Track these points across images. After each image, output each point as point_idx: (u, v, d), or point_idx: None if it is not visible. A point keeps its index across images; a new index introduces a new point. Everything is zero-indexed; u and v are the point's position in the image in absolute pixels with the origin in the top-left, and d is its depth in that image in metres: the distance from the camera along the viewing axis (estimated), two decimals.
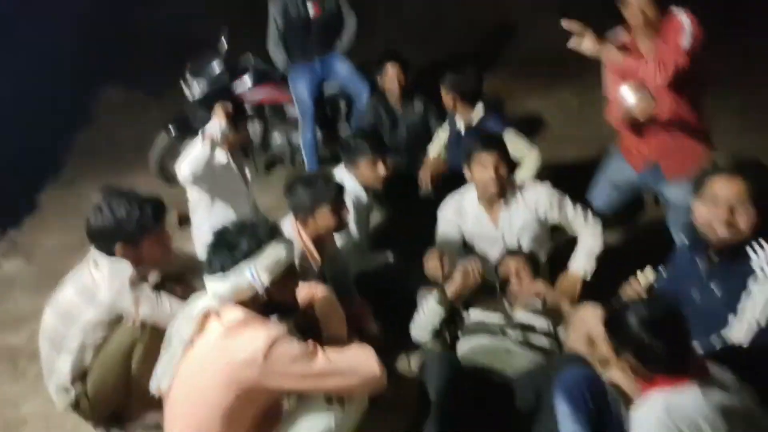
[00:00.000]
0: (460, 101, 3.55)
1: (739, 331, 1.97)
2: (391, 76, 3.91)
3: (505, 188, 2.90)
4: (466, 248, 3.10)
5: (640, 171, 3.03)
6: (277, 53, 4.31)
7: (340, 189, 2.69)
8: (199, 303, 1.94)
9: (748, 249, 1.99)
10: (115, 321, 2.40)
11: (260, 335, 1.83)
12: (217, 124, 3.04)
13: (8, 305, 3.38)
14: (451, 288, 2.59)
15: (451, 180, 3.32)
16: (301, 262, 2.53)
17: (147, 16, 6.40)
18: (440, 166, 3.72)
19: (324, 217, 2.63)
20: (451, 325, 2.69)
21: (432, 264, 2.79)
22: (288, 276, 1.96)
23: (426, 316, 2.62)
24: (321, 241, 2.69)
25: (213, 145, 3.02)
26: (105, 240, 2.37)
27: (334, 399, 1.97)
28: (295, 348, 1.86)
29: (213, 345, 1.86)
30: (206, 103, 4.21)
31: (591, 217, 2.95)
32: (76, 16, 6.15)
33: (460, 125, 3.61)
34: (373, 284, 3.00)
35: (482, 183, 2.87)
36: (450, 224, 3.04)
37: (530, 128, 4.60)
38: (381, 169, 3.12)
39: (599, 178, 3.24)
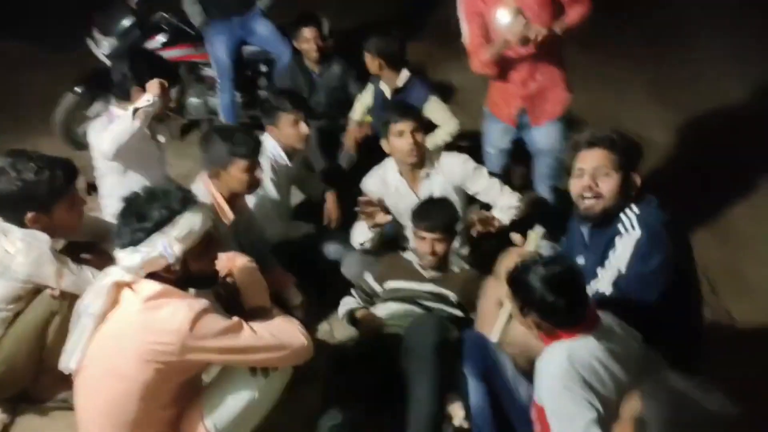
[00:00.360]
0: (386, 65, 3.51)
1: (603, 279, 2.11)
2: (307, 39, 3.84)
3: (423, 157, 2.93)
4: None
5: (511, 123, 3.14)
6: (193, 9, 4.11)
7: (257, 144, 2.60)
8: (108, 275, 1.85)
9: (621, 215, 2.13)
10: (30, 293, 2.27)
11: (182, 309, 1.77)
12: (150, 99, 2.77)
13: None
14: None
15: (376, 144, 3.31)
16: (212, 219, 2.46)
17: None
18: (364, 130, 3.70)
19: (238, 172, 2.53)
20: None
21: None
22: (204, 246, 1.88)
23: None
24: (233, 200, 2.61)
25: (143, 122, 2.80)
26: (12, 208, 2.21)
27: (258, 369, 1.94)
28: (219, 322, 1.81)
29: (130, 320, 1.79)
30: (115, 62, 4.04)
31: (507, 187, 3.04)
32: None
33: (385, 90, 3.59)
34: (295, 254, 2.97)
35: (401, 152, 2.89)
36: (374, 197, 3.02)
37: (451, 97, 4.64)
38: (303, 128, 3.04)
39: (485, 150, 3.34)
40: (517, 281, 1.88)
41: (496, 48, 2.85)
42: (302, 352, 1.94)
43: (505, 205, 2.99)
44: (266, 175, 2.98)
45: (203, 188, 2.55)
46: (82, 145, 4.13)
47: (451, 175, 2.96)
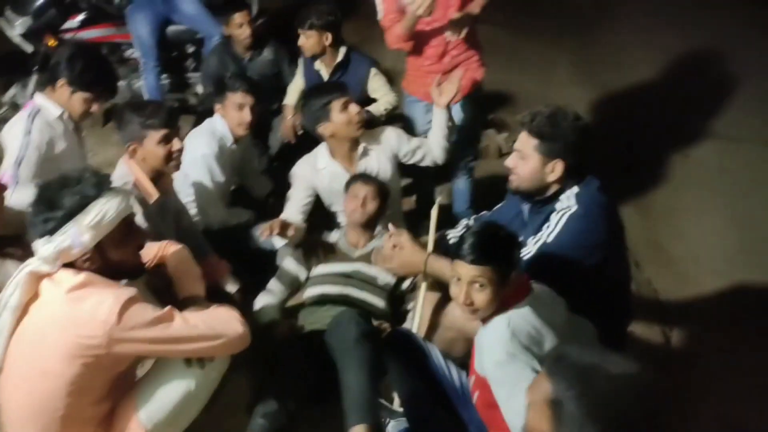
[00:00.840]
0: (331, 41, 3.40)
1: (529, 246, 2.17)
2: (239, 24, 3.68)
3: (360, 133, 2.92)
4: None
5: (429, 100, 3.14)
6: None
7: (171, 114, 2.49)
8: (25, 266, 1.76)
9: (562, 195, 2.18)
10: None
11: (107, 299, 1.70)
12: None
13: None
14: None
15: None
16: (137, 197, 2.37)
17: None
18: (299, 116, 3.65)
19: (153, 144, 2.41)
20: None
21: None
22: (123, 233, 1.81)
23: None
24: (157, 178, 2.51)
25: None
26: None
27: (193, 360, 1.89)
28: (149, 311, 1.75)
29: (53, 313, 1.72)
30: (31, 41, 3.84)
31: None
32: None
33: (322, 70, 3.51)
34: (232, 241, 2.93)
35: (347, 125, 2.85)
36: (304, 184, 2.99)
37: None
38: (246, 114, 2.99)
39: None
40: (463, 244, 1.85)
41: (407, 21, 2.89)
42: (238, 340, 1.88)
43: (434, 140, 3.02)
44: (212, 154, 2.93)
45: (125, 169, 2.45)
46: None
47: (388, 145, 2.99)
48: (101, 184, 1.77)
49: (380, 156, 2.98)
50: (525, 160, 2.15)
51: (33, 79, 3.89)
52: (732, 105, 4.60)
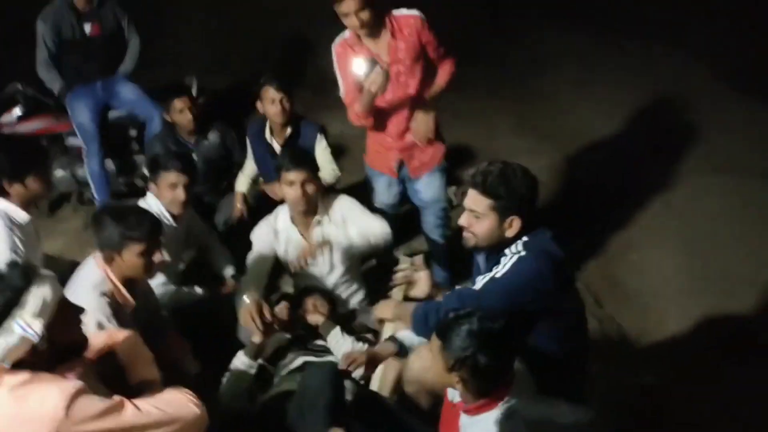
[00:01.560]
0: (287, 104, 3.38)
1: (477, 283, 2.16)
2: (179, 109, 3.59)
3: (314, 207, 2.90)
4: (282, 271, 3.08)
5: (393, 174, 3.23)
6: (50, 77, 3.91)
7: (155, 226, 2.39)
8: None
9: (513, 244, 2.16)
10: None
11: (52, 394, 1.62)
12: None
13: None
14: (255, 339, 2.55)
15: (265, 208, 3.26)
16: (111, 305, 2.29)
17: None
18: (247, 202, 3.62)
19: (132, 256, 2.32)
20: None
21: (245, 318, 2.58)
22: (63, 313, 1.74)
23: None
24: (133, 284, 2.42)
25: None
26: None
27: None
28: (97, 403, 1.67)
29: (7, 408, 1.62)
30: None
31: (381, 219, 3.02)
32: None
33: (274, 143, 3.51)
34: (188, 318, 2.84)
35: (290, 201, 2.86)
36: (263, 246, 2.98)
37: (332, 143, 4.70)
38: (179, 193, 2.91)
39: (375, 206, 3.35)
40: (446, 332, 1.79)
41: (364, 99, 2.88)
42: (196, 422, 1.82)
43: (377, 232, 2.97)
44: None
45: (100, 273, 2.35)
46: None
47: (343, 219, 2.96)
48: (27, 273, 1.71)
49: (335, 230, 2.95)
50: (480, 219, 2.13)
51: None
52: (672, 139, 4.78)
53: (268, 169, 3.52)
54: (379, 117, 3.05)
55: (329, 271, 3.03)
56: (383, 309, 2.47)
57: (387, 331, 2.64)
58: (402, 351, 2.42)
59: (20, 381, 1.64)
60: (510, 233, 2.12)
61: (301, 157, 2.92)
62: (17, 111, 3.89)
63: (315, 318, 2.78)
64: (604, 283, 3.60)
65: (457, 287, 2.40)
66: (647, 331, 3.30)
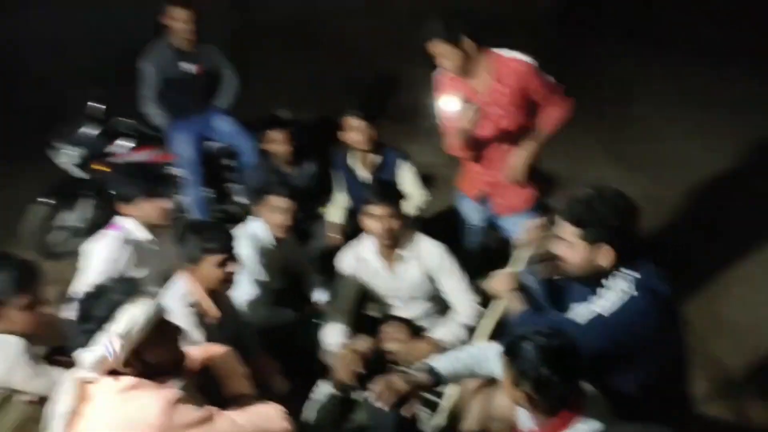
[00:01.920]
0: (370, 136, 3.46)
1: (579, 312, 2.09)
2: (276, 140, 3.80)
3: (396, 241, 2.90)
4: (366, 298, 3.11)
5: (477, 201, 3.21)
6: (154, 112, 4.19)
7: (229, 239, 2.56)
8: (71, 375, 1.80)
9: (617, 274, 2.08)
10: (6, 398, 2.18)
11: (155, 400, 1.71)
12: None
13: None
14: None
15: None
16: (197, 315, 2.43)
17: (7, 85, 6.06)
18: (343, 232, 3.70)
19: (209, 267, 2.48)
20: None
21: (341, 367, 2.68)
22: (158, 336, 1.82)
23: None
24: (216, 295, 2.56)
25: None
26: None
27: None
28: (194, 412, 1.76)
29: (103, 417, 1.73)
30: (81, 169, 4.07)
31: (471, 296, 2.95)
32: None
33: (361, 171, 3.60)
34: (277, 338, 2.92)
35: (375, 234, 2.89)
36: (349, 273, 3.02)
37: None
38: (282, 217, 3.06)
39: (460, 229, 3.37)
40: (512, 348, 1.81)
41: (458, 134, 2.88)
42: None
43: (455, 322, 2.92)
44: (253, 257, 2.98)
45: (185, 285, 2.51)
46: (53, 255, 4.11)
47: (426, 262, 2.94)
48: (130, 291, 1.81)
49: (416, 268, 2.95)
50: (572, 248, 2.08)
51: (84, 203, 4.11)
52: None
53: (359, 198, 3.61)
54: (474, 148, 3.02)
55: (411, 302, 3.03)
56: (499, 281, 2.36)
57: (497, 308, 2.50)
58: (439, 379, 2.23)
59: (126, 385, 1.74)
60: (603, 262, 2.05)
61: (386, 192, 2.94)
62: (125, 143, 4.17)
63: (392, 345, 2.80)
64: (708, 319, 3.41)
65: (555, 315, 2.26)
66: (754, 368, 3.09)
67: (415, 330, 2.96)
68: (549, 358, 1.73)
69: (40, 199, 3.96)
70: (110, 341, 1.73)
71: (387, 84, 6.32)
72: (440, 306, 3.12)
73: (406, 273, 2.94)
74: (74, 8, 6.50)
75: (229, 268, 2.50)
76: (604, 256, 2.04)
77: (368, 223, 2.87)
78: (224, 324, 2.59)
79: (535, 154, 2.99)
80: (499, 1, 6.87)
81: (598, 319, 2.01)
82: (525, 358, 1.75)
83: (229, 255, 2.51)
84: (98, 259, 2.74)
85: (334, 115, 3.72)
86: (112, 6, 6.55)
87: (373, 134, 3.49)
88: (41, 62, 6.34)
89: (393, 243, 2.89)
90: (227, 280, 2.53)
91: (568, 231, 2.08)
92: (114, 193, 2.84)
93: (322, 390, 2.60)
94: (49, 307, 2.41)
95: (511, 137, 2.96)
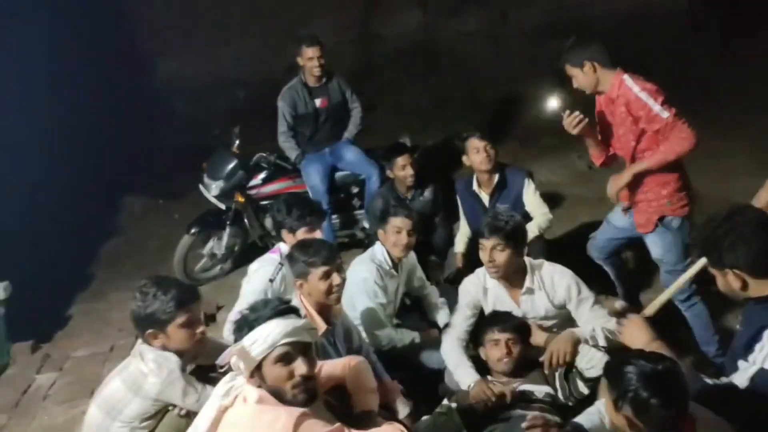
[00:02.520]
0: (491, 156, 3.49)
1: (742, 373, 1.92)
2: (401, 166, 3.93)
3: (514, 272, 2.83)
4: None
5: (625, 212, 3.10)
6: (288, 146, 4.48)
7: (332, 252, 2.66)
8: (221, 384, 1.95)
9: None
10: (161, 411, 2.42)
11: (282, 415, 1.81)
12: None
13: (43, 419, 3.39)
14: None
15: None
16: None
17: (155, 128, 6.71)
18: (465, 260, 3.74)
19: (316, 281, 2.58)
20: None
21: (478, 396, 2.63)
22: (280, 360, 1.87)
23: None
24: (324, 309, 2.66)
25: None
26: (139, 327, 2.41)
27: None
28: (320, 427, 1.82)
29: (239, 423, 1.85)
30: (223, 201, 4.44)
31: (606, 323, 2.74)
32: (94, 135, 6.44)
33: (482, 194, 3.62)
34: (400, 362, 2.99)
35: (484, 264, 2.85)
36: (470, 299, 2.97)
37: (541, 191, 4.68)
38: (403, 237, 3.15)
39: (605, 220, 3.31)
40: (613, 370, 1.78)
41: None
42: None
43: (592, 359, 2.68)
44: (371, 279, 3.08)
45: (296, 301, 2.63)
46: (199, 281, 4.49)
47: (555, 294, 2.82)
48: (274, 309, 1.94)
49: (544, 299, 2.83)
50: (718, 279, 1.97)
51: (227, 232, 4.47)
52: None
53: (477, 223, 3.63)
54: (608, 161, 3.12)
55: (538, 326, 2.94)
56: (633, 334, 2.11)
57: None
58: None
59: (257, 398, 1.85)
60: (749, 292, 1.91)
61: (497, 224, 2.80)
62: (262, 175, 4.50)
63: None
64: None
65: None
66: None
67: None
68: (650, 382, 1.68)
69: (191, 231, 4.36)
70: (235, 350, 1.87)
71: (511, 103, 6.30)
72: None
73: (533, 304, 2.85)
74: (211, 52, 7.11)
75: (334, 280, 2.60)
76: (733, 281, 1.91)
77: (480, 253, 2.85)
78: (333, 333, 2.68)
79: (630, 177, 2.89)
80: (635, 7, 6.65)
81: (758, 374, 1.86)
82: (625, 381, 1.70)
83: (332, 267, 2.61)
84: (259, 278, 3.03)
85: (457, 139, 3.78)
86: (245, 49, 7.08)
87: (496, 155, 3.51)
88: (186, 104, 6.99)
89: (506, 275, 2.82)
90: (332, 292, 2.62)
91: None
92: (278, 220, 3.13)
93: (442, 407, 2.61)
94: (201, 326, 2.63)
95: (628, 156, 2.96)
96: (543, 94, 6.16)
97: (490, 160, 3.50)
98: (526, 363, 2.76)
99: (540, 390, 2.64)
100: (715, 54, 6.09)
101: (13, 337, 4.01)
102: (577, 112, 2.83)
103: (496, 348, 2.68)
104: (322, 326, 2.61)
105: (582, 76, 2.91)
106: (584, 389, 2.59)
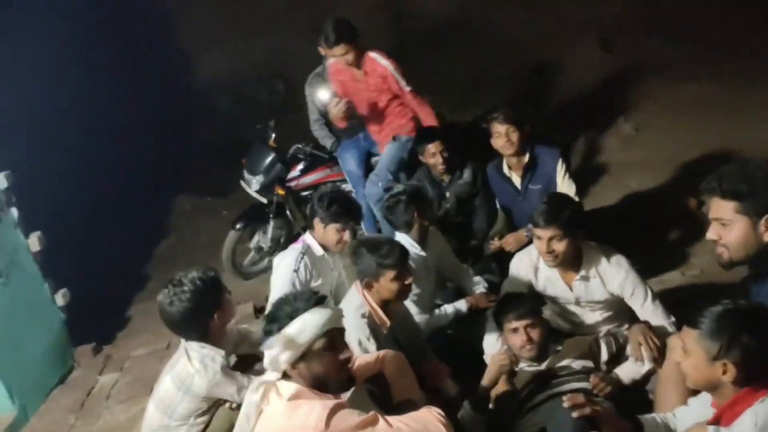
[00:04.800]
0: (513, 141, 3.35)
1: None
2: (432, 153, 3.81)
3: (563, 260, 2.70)
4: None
5: None
6: (322, 134, 4.49)
7: (404, 254, 2.66)
8: (257, 379, 1.98)
9: None
10: (214, 406, 2.51)
11: (316, 408, 1.83)
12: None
13: (106, 417, 3.55)
14: (486, 379, 2.50)
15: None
16: (370, 325, 2.55)
17: (195, 129, 6.82)
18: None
19: (388, 282, 2.60)
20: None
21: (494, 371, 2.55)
22: (325, 348, 1.90)
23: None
24: (388, 306, 2.68)
25: None
26: (194, 321, 2.47)
27: None
28: (354, 417, 1.85)
29: (272, 419, 1.88)
30: (265, 195, 4.49)
31: (664, 314, 2.68)
32: (140, 137, 6.61)
33: (513, 176, 3.51)
34: (445, 343, 2.98)
35: (541, 253, 2.75)
36: (521, 275, 2.92)
37: (585, 158, 4.54)
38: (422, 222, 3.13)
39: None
40: (700, 320, 1.70)
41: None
42: None
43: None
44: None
45: (359, 297, 2.65)
46: (245, 274, 4.59)
47: (609, 284, 2.73)
48: (310, 300, 1.94)
49: (601, 291, 2.74)
50: (729, 227, 1.88)
51: (271, 225, 4.52)
52: None
53: (510, 207, 3.56)
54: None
55: (590, 311, 2.86)
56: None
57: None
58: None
59: (292, 393, 1.87)
60: None
61: (553, 212, 2.65)
62: (300, 166, 4.52)
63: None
64: None
65: None
66: None
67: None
68: (747, 320, 1.65)
69: (236, 226, 4.42)
70: (278, 341, 1.88)
71: (550, 69, 6.11)
72: (623, 316, 2.87)
73: (587, 290, 2.76)
74: (244, 47, 7.15)
75: (407, 281, 2.62)
76: None
77: (535, 242, 2.75)
78: (397, 333, 2.70)
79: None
80: None
81: None
82: (722, 325, 1.66)
83: (404, 269, 2.61)
84: (283, 270, 3.04)
85: (483, 121, 3.70)
86: (276, 41, 7.10)
87: (523, 136, 3.37)
88: (227, 100, 7.08)
89: (563, 263, 2.72)
90: (404, 293, 2.65)
91: (723, 208, 1.88)
92: (314, 208, 3.11)
93: (465, 412, 2.52)
94: (240, 320, 2.69)
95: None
96: (583, 56, 5.97)
97: (512, 144, 3.36)
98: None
99: (577, 364, 2.59)
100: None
101: (77, 340, 4.19)
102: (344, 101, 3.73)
103: (516, 336, 2.60)
104: (387, 322, 2.63)
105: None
106: None
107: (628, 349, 2.65)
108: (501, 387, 2.56)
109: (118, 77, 6.60)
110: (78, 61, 6.36)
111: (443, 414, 1.96)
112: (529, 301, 2.68)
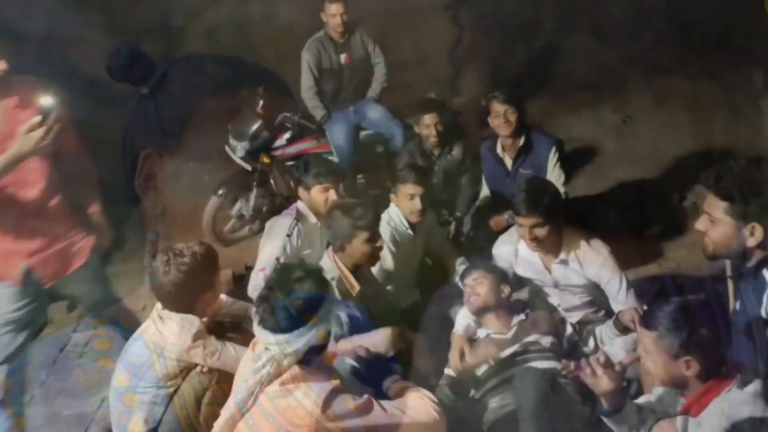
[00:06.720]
0: (512, 122, 3.36)
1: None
2: (427, 125, 3.86)
3: (545, 245, 2.75)
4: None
5: None
6: (314, 103, 4.45)
7: (376, 216, 2.69)
8: (263, 354, 1.94)
9: None
10: (185, 369, 2.47)
11: (314, 390, 1.85)
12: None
13: (78, 375, 3.53)
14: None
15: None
16: (339, 287, 2.57)
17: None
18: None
19: (360, 244, 2.62)
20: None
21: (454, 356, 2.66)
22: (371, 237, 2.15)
23: None
24: (358, 270, 2.70)
25: None
26: (185, 293, 2.43)
27: None
28: (350, 401, 1.87)
29: (268, 401, 1.88)
30: (249, 162, 4.44)
31: (637, 305, 2.64)
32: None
33: (506, 158, 3.52)
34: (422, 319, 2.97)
35: (524, 240, 2.77)
36: (501, 258, 2.96)
37: (574, 147, 4.55)
38: (416, 203, 3.11)
39: None
40: (653, 320, 1.74)
41: None
42: (435, 424, 1.94)
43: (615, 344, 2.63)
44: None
45: (329, 262, 2.67)
46: (228, 242, 4.55)
47: (588, 269, 2.76)
48: (317, 279, 1.96)
49: (577, 274, 2.78)
50: (716, 225, 1.91)
51: (254, 193, 4.48)
52: None
53: (498, 187, 3.57)
54: None
55: (566, 294, 2.90)
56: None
57: None
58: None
59: (290, 376, 1.88)
60: (752, 242, 1.87)
61: (533, 201, 2.66)
62: (287, 135, 4.47)
63: None
64: None
65: None
66: None
67: None
68: (709, 316, 1.70)
69: (219, 192, 4.39)
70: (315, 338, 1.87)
71: (544, 55, 6.09)
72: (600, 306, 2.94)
73: (565, 274, 2.80)
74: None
75: (378, 243, 2.65)
76: (755, 234, 1.85)
77: (517, 229, 2.77)
78: (367, 301, 2.69)
79: None
80: None
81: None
82: (676, 323, 1.69)
83: (376, 231, 2.65)
84: (276, 232, 3.04)
85: (483, 99, 3.68)
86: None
87: (518, 119, 3.38)
88: (215, 64, 6.93)
89: (543, 249, 2.76)
90: (375, 255, 2.68)
91: (714, 205, 1.91)
92: (296, 177, 3.15)
93: (442, 393, 2.60)
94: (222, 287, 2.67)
95: None
96: (579, 43, 5.96)
97: (509, 125, 3.37)
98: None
99: (546, 340, 2.64)
100: None
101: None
102: None
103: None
104: (356, 286, 2.65)
105: None
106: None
107: (613, 326, 2.61)
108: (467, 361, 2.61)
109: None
110: None
111: (436, 401, 1.99)
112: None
